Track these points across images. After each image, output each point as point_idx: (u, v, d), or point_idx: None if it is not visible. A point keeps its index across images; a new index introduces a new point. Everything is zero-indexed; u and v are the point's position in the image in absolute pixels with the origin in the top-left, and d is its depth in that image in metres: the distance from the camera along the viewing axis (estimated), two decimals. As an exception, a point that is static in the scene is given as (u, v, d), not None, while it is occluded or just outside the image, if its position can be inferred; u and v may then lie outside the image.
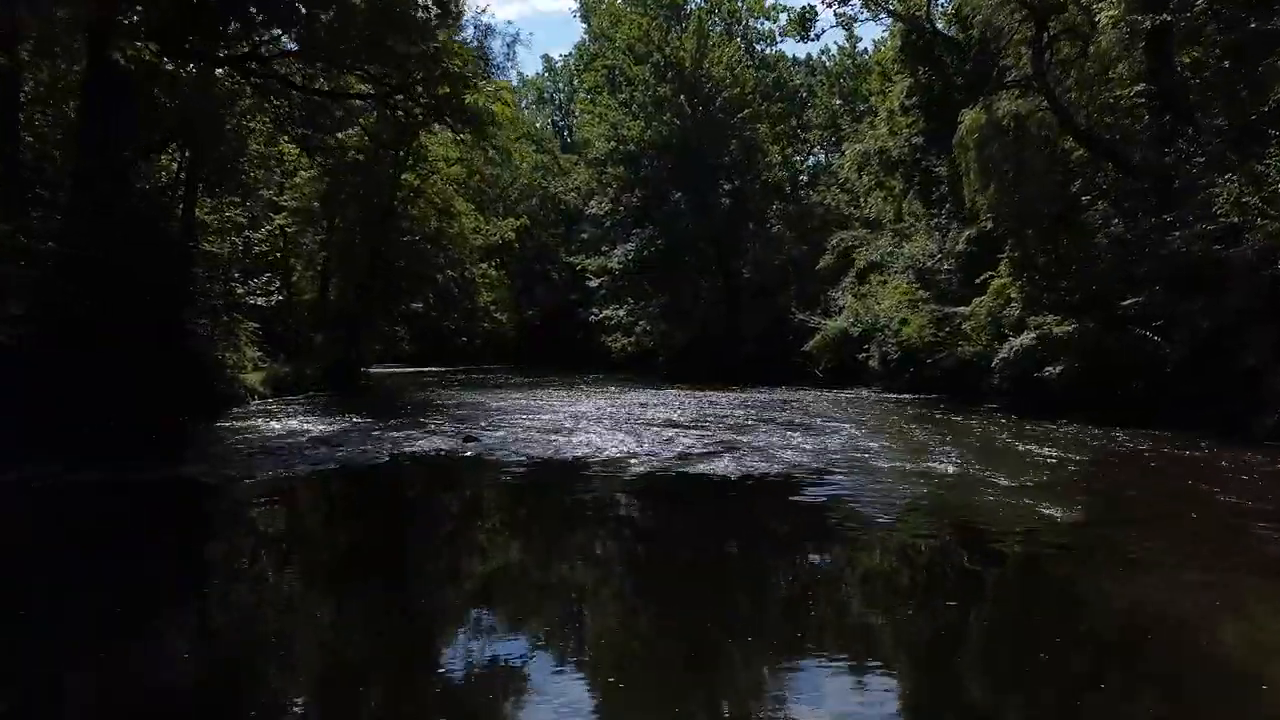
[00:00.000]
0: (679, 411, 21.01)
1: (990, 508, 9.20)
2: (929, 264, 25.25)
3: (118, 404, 16.55)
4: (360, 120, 25.99)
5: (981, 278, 20.89)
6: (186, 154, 22.98)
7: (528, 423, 18.54)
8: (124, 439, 15.25)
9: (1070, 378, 16.66)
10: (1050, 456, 12.43)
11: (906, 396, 23.93)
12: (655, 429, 16.95)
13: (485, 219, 31.68)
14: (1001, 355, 17.94)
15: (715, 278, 39.50)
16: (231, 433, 17.47)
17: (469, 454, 13.81)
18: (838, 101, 51.36)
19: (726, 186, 38.97)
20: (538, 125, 54.06)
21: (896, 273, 26.71)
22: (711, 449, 13.67)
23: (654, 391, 28.23)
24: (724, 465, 11.89)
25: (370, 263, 27.52)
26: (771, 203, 39.49)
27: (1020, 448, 13.41)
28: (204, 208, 25.16)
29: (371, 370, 49.39)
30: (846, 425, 17.26)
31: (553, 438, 15.56)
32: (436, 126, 24.23)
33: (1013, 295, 19.04)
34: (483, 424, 18.49)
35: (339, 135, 26.50)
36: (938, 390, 23.49)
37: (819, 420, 18.47)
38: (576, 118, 55.54)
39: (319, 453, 14.18)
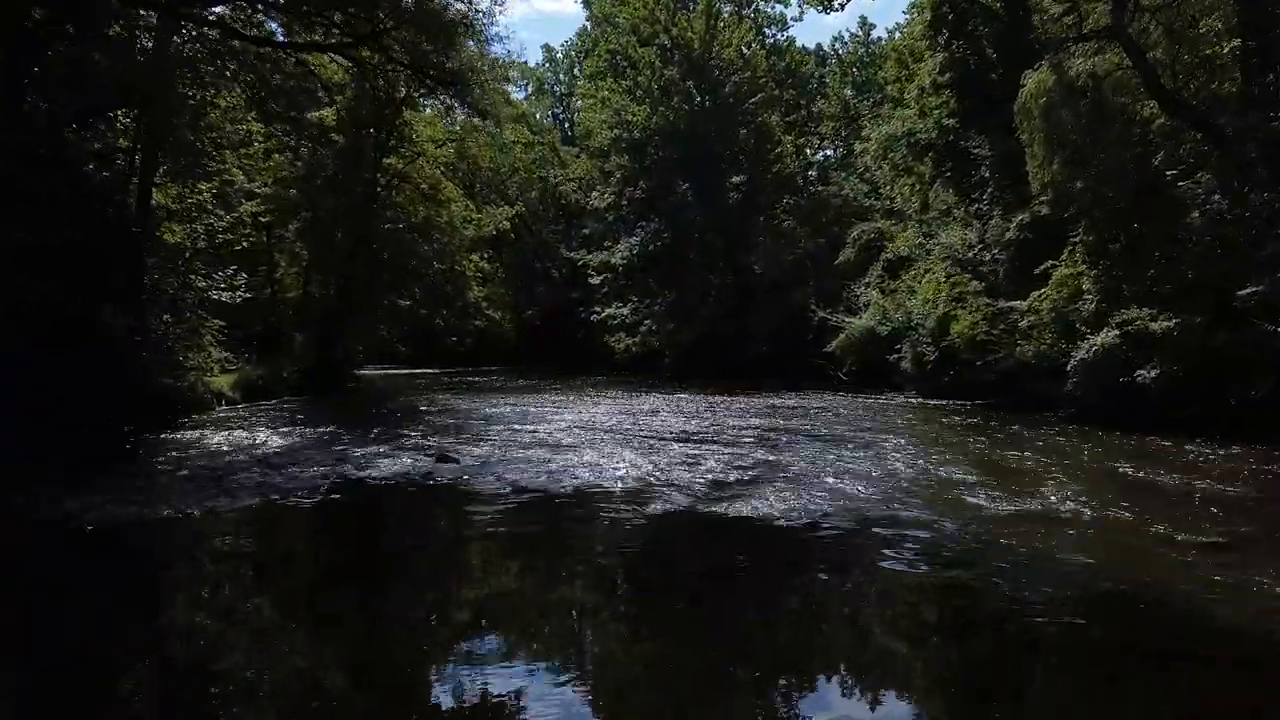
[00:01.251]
0: (694, 420, 17.96)
1: (1202, 589, 6.07)
2: (969, 255, 22.17)
3: (32, 415, 13.54)
4: (337, 97, 22.89)
5: (1041, 268, 17.83)
6: (139, 127, 19.95)
7: (519, 436, 15.48)
8: (37, 457, 12.22)
9: (1166, 382, 13.59)
10: (1197, 486, 9.37)
11: (948, 403, 20.86)
12: (669, 444, 13.90)
13: (477, 207, 28.62)
14: (1080, 356, 14.86)
15: (724, 274, 36.45)
16: (174, 447, 14.53)
17: (440, 481, 10.76)
18: (849, 92, 48.44)
19: (736, 179, 35.92)
20: (537, 116, 51.01)
21: (929, 266, 23.61)
22: (746, 475, 10.62)
23: (661, 396, 25.17)
24: (769, 502, 8.83)
25: (351, 255, 24.44)
26: (784, 194, 36.44)
27: (1144, 474, 10.34)
28: (168, 193, 22.19)
29: (363, 372, 46.59)
30: (899, 440, 14.20)
31: (546, 457, 12.51)
32: (421, 100, 21.13)
33: (1085, 286, 15.97)
34: (467, 437, 15.43)
35: (314, 115, 23.46)
36: (981, 395, 20.44)
37: (863, 433, 15.41)
38: (578, 112, 52.50)
39: (258, 478, 11.17)
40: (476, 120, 23.82)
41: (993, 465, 11.49)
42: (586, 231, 44.18)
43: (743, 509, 8.56)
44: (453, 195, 26.21)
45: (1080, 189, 15.97)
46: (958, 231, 23.25)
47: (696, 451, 12.92)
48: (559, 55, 52.36)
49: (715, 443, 14.12)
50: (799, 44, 47.91)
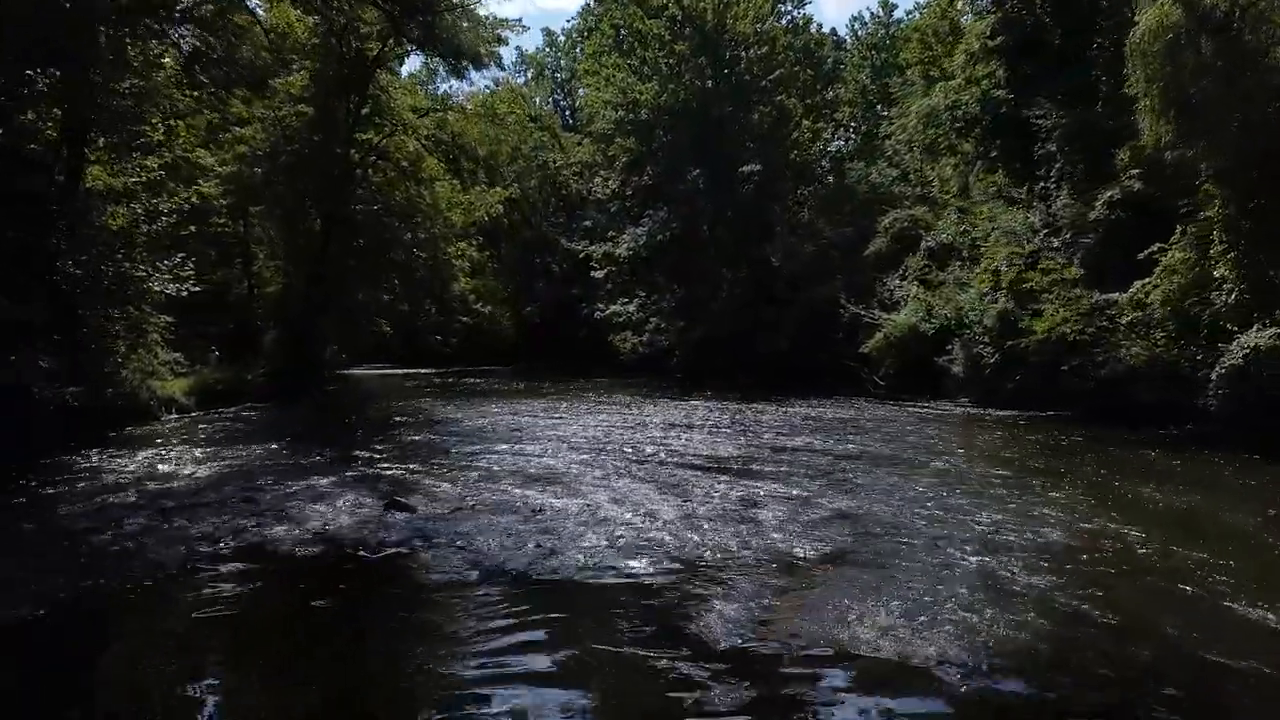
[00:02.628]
0: (722, 438, 14.45)
1: None
2: (1034, 241, 18.63)
3: None
4: (305, 62, 19.33)
5: (1146, 252, 14.26)
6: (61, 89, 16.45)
7: (503, 462, 11.96)
8: None
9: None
10: None
11: (1017, 415, 17.35)
12: (702, 479, 10.41)
13: (464, 186, 24.94)
14: (1230, 362, 11.32)
15: (738, 267, 32.89)
16: (57, 475, 11.10)
17: (378, 549, 7.24)
18: (866, 76, 44.87)
19: (752, 164, 32.34)
20: (537, 102, 47.39)
21: (987, 254, 20.06)
22: (829, 545, 7.15)
23: (675, 403, 21.63)
24: (895, 624, 5.31)
25: (324, 242, 20.90)
26: (805, 181, 32.87)
27: None
28: (107, 172, 18.77)
29: (353, 372, 43.07)
30: (1009, 473, 10.70)
31: (536, 503, 8.98)
32: (399, 60, 17.57)
33: (1221, 273, 12.41)
34: (438, 464, 11.90)
35: (279, 81, 19.94)
36: (1057, 406, 16.96)
37: (949, 460, 11.92)
38: (580, 96, 48.89)
39: (128, 536, 7.75)
40: (463, 85, 20.29)
41: (1212, 526, 7.95)
42: (589, 224, 40.60)
43: (859, 637, 5.03)
44: (436, 172, 22.57)
45: (1208, 149, 12.40)
46: (1017, 215, 19.69)
47: (743, 493, 9.40)
48: (560, 39, 48.82)
49: (762, 476, 10.60)
50: (816, 25, 44.12)
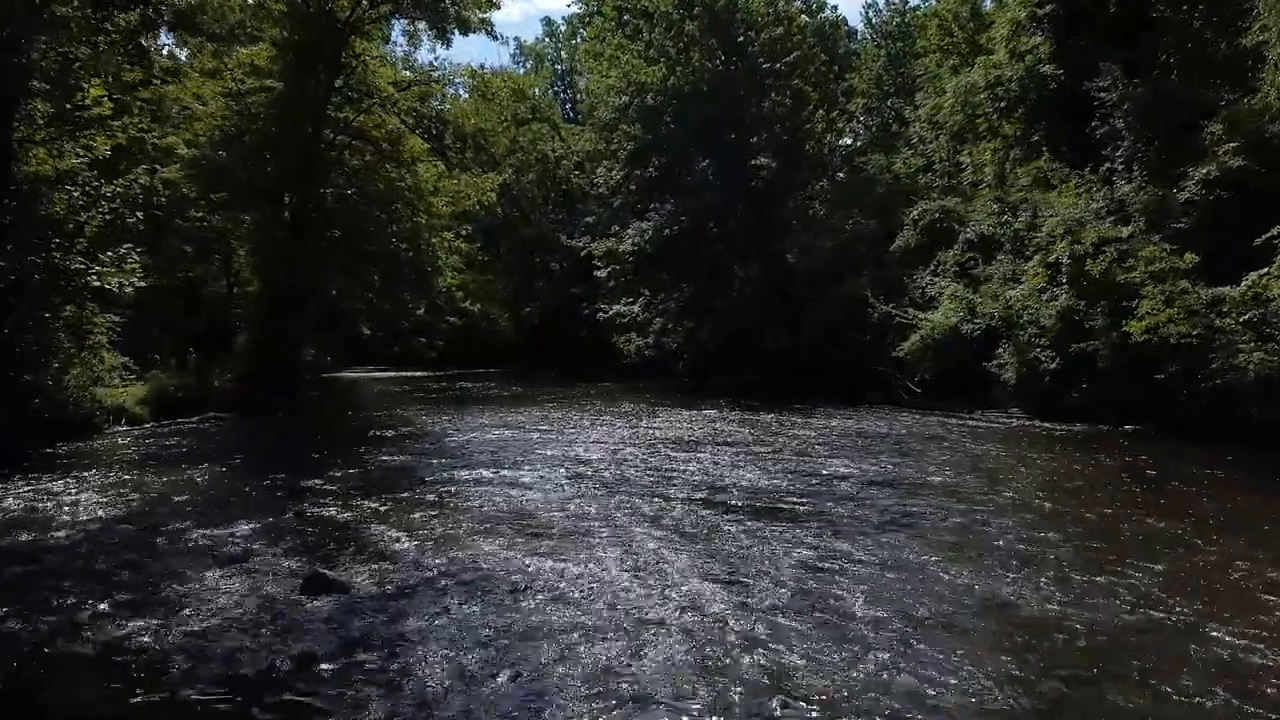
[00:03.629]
0: (752, 462, 11.84)
1: None
2: (1102, 229, 15.99)
3: None
4: (270, 29, 16.70)
5: (1265, 236, 11.62)
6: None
7: (484, 501, 9.36)
8: None
9: None
10: None
11: (1090, 429, 14.74)
12: (740, 527, 7.86)
13: (451, 169, 22.04)
14: None
15: (751, 264, 30.23)
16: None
17: (259, 690, 4.57)
18: (880, 64, 42.23)
19: (767, 153, 29.72)
20: (535, 93, 44.72)
21: (1047, 242, 17.42)
22: (983, 665, 4.45)
23: (687, 413, 19.01)
24: None
25: (294, 233, 18.28)
26: (824, 171, 30.23)
27: None
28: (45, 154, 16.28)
29: (343, 374, 40.48)
30: (1174, 528, 8.07)
31: (520, 579, 6.34)
32: (376, 25, 14.96)
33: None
34: (399, 502, 9.27)
35: (243, 51, 17.33)
36: (1129, 418, 14.38)
37: (1053, 498, 9.31)
38: (581, 87, 46.28)
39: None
40: (449, 57, 17.65)
41: None
42: (590, 220, 37.92)
43: None
44: (419, 152, 19.87)
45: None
46: (1077, 201, 17.04)
47: (805, 557, 6.80)
48: (560, 28, 46.17)
49: (817, 524, 8.00)
50: (831, 6, 41.39)
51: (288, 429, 17.68)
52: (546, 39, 47.58)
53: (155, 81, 15.76)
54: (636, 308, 32.14)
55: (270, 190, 18.30)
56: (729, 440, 14.16)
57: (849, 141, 34.71)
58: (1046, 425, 15.80)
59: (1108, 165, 16.97)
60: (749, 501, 9.15)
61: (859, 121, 40.79)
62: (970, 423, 16.62)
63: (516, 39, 66.06)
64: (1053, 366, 16.15)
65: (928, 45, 35.56)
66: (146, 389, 19.26)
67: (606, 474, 10.92)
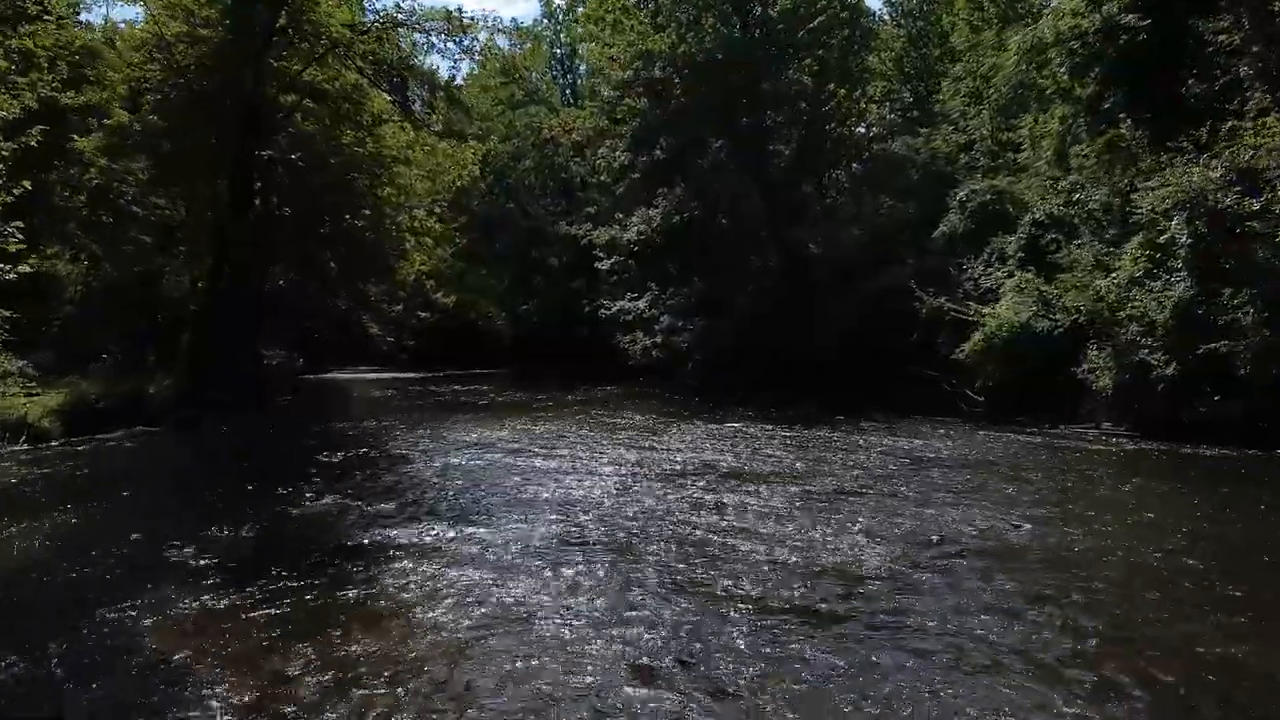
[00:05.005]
0: (812, 509, 8.38)
1: None
2: (1225, 201, 12.51)
3: None
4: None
5: None
6: None
7: (440, 588, 5.87)
8: None
9: None
10: None
11: (1229, 453, 11.27)
12: (836, 649, 4.19)
13: (413, 129, 18.30)
14: None
15: (769, 254, 26.78)
16: None
17: None
18: (901, 43, 38.73)
19: (788, 131, 26.26)
20: (534, 76, 41.17)
21: (1148, 221, 13.92)
22: None
23: (708, 427, 15.56)
24: None
25: (234, 211, 14.82)
26: (851, 152, 26.74)
27: None
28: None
29: (330, 376, 37.01)
30: None
31: None
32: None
33: None
34: (313, 588, 5.78)
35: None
36: (1264, 439, 10.97)
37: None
38: (583, 74, 42.78)
39: None
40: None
41: None
42: (592, 209, 34.47)
43: None
44: (381, 109, 16.26)
45: None
46: (1194, 168, 13.52)
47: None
48: (559, 6, 42.55)
49: (1015, 670, 4.44)
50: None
51: (219, 448, 14.20)
52: (545, 20, 44.14)
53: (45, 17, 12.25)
54: (642, 304, 28.70)
55: (204, 159, 14.83)
56: (771, 472, 10.66)
57: (874, 122, 31.10)
58: (1161, 446, 12.32)
59: (1230, 123, 13.44)
60: (835, 593, 5.69)
61: (884, 104, 37.35)
62: (1065, 443, 13.14)
63: (514, 19, 62.45)
64: (1168, 373, 12.66)
65: (955, 20, 32.16)
66: (62, 398, 15.83)
67: (615, 534, 7.45)
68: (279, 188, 15.59)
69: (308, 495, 9.26)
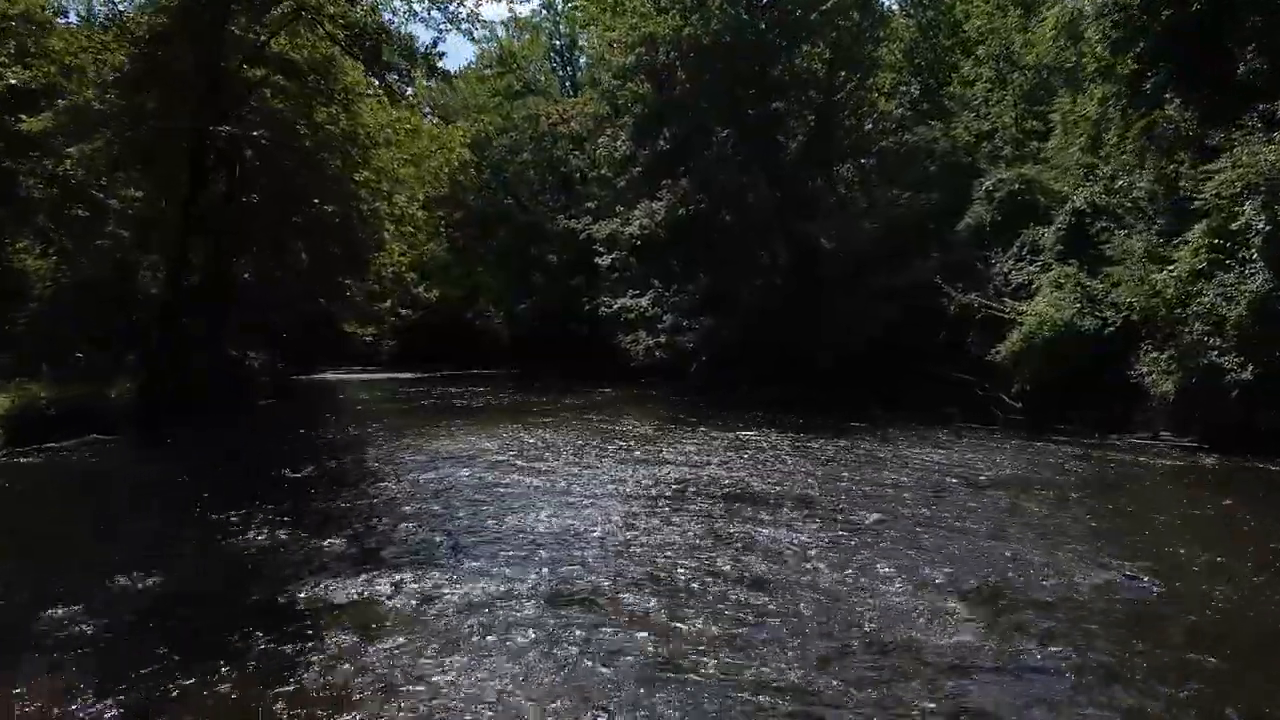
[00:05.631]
0: (858, 544, 6.75)
1: None
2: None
3: None
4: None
5: None
6: None
7: (393, 680, 4.18)
8: None
9: None
10: None
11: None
12: None
13: (390, 100, 16.49)
14: None
15: (778, 248, 25.18)
16: None
17: None
18: (913, 30, 37.05)
19: (799, 120, 24.65)
20: (533, 67, 39.49)
21: (1216, 206, 12.30)
22: None
23: (719, 436, 13.97)
24: None
25: (194, 195, 13.25)
26: (865, 141, 25.09)
27: None
28: None
29: (322, 377, 35.43)
30: None
31: None
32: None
33: None
34: (210, 677, 4.17)
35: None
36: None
37: None
38: (583, 66, 41.11)
39: None
40: None
41: None
42: (593, 204, 32.84)
43: None
44: (356, 79, 14.57)
45: None
46: (1264, 150, 11.89)
47: None
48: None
49: None
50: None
51: (171, 462, 12.60)
52: (545, 10, 42.47)
53: None
54: (645, 301, 27.10)
55: (163, 139, 13.25)
56: (798, 496, 9.06)
57: (888, 111, 29.44)
58: (1239, 459, 10.72)
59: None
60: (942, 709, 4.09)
61: (893, 97, 35.69)
62: (1125, 455, 11.54)
63: (511, 8, 60.64)
64: (1244, 377, 11.04)
65: (970, 6, 30.49)
66: (7, 404, 14.30)
67: (602, 596, 5.82)
68: (245, 171, 13.98)
69: (250, 527, 7.66)
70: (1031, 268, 17.08)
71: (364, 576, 6.09)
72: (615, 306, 28.14)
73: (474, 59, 33.78)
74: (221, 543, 7.18)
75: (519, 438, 14.05)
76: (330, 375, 36.19)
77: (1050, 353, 14.25)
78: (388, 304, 27.84)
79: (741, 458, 11.57)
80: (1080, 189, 16.58)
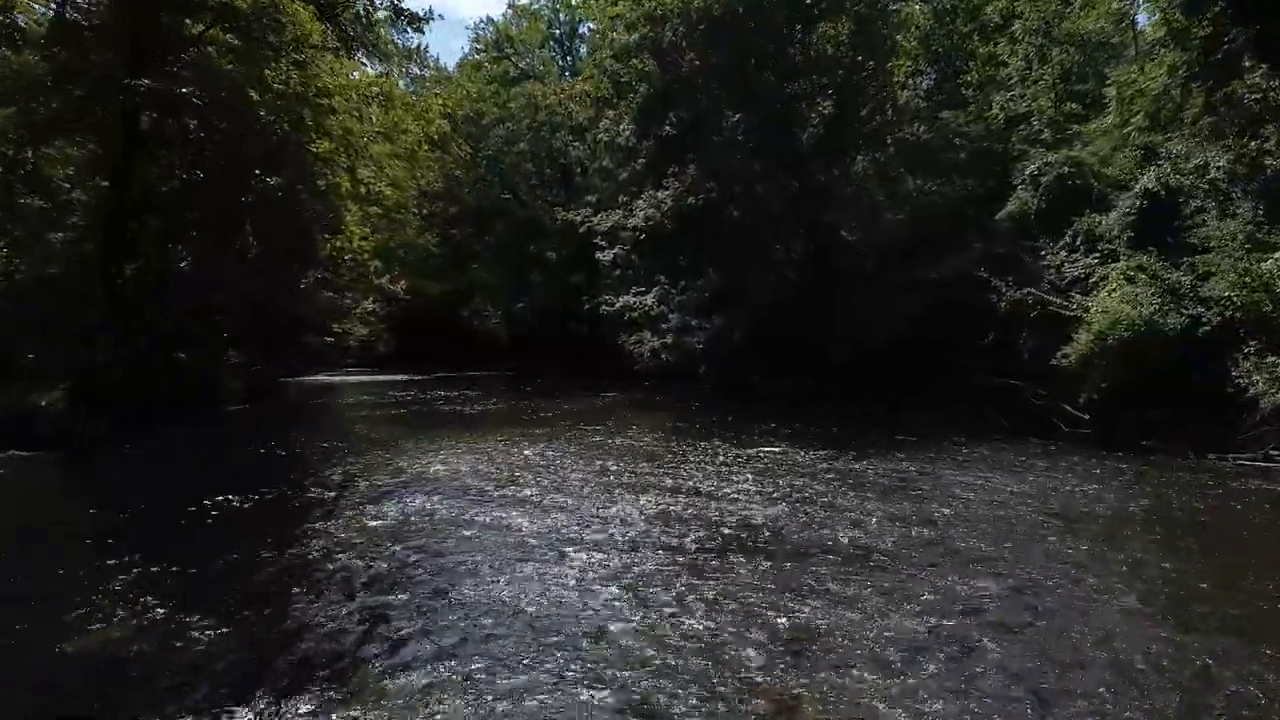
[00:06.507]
0: (996, 637, 4.49)
1: None
2: None
3: None
4: None
5: None
6: None
7: None
8: None
9: None
10: None
11: None
12: None
13: (345, 48, 14.09)
14: None
15: (794, 241, 23.05)
16: None
17: None
18: (927, 17, 34.88)
19: (817, 103, 22.47)
20: (533, 53, 37.26)
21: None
22: None
23: (739, 454, 11.87)
24: None
25: (125, 170, 11.10)
26: (889, 125, 22.91)
27: None
28: None
29: (314, 379, 33.33)
30: None
31: None
32: None
33: None
34: None
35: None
36: None
37: None
38: (583, 55, 38.89)
39: None
40: None
41: None
42: (593, 198, 30.70)
43: None
44: (310, 32, 12.28)
45: None
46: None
47: None
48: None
49: None
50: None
51: (91, 487, 10.43)
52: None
53: None
54: (650, 298, 24.98)
55: (86, 103, 11.09)
56: (853, 547, 6.91)
57: (911, 97, 27.23)
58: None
59: None
60: None
61: (910, 84, 33.53)
62: (1246, 483, 9.34)
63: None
64: None
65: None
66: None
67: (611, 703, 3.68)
68: (186, 141, 11.82)
69: (125, 605, 5.51)
70: (1088, 259, 14.92)
71: (247, 699, 3.95)
72: (618, 305, 26.02)
73: (468, 47, 31.56)
74: (77, 638, 5.04)
75: (509, 453, 11.90)
76: (322, 377, 34.07)
77: (1127, 356, 12.06)
78: (364, 300, 25.57)
79: (770, 485, 9.42)
80: (1148, 169, 14.39)
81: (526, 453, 12.09)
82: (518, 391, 24.82)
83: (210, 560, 6.54)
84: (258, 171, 11.49)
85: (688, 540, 7.06)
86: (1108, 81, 17.90)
